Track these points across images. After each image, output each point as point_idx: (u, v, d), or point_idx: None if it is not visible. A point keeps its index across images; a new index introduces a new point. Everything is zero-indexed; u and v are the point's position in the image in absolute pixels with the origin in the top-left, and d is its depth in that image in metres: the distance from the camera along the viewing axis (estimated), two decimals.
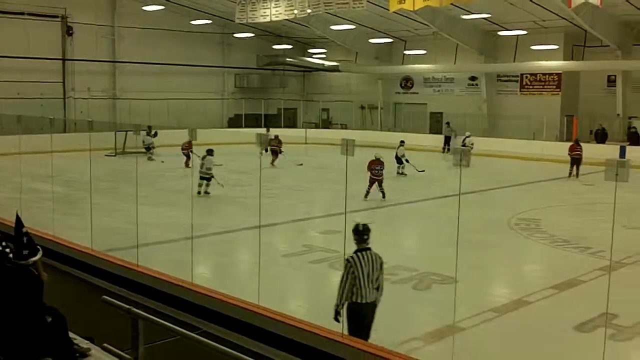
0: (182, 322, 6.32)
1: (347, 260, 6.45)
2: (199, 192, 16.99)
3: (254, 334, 6.27)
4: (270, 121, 36.30)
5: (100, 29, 32.64)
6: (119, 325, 5.21)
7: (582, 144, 22.78)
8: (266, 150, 23.70)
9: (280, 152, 24.73)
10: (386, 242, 13.41)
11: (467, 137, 27.21)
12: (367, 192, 16.74)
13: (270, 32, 37.38)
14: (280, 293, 9.05)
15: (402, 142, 22.80)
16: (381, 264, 6.59)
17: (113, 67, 33.71)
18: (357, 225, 6.67)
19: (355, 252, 6.52)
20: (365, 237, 6.58)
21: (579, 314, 8.10)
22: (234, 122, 37.35)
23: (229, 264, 11.32)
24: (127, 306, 5.14)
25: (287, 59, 38.75)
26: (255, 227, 11.75)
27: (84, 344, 5.00)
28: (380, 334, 6.98)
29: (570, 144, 23.42)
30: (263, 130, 29.09)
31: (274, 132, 27.31)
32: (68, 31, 31.63)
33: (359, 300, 6.35)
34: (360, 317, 6.39)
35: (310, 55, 39.69)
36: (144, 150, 25.55)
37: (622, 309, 8.13)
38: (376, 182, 16.85)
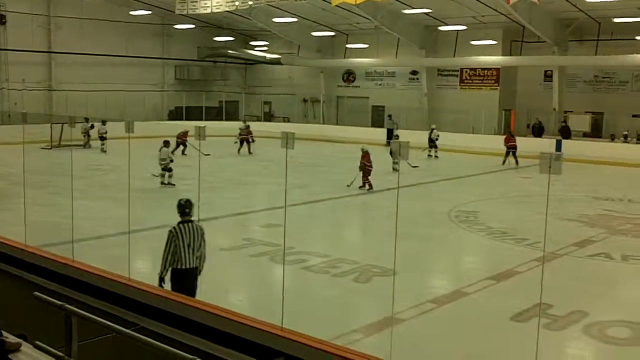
0: (119, 318, 6.18)
1: (170, 231, 7.19)
2: (162, 183, 17.41)
3: (193, 329, 6.19)
4: (211, 114, 35.99)
5: (35, 18, 31.71)
6: (52, 322, 5.06)
7: (519, 137, 23.46)
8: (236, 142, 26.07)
9: (253, 140, 26.54)
10: (328, 234, 13.52)
11: (433, 129, 27.47)
12: (365, 184, 17.62)
13: (211, 24, 37.01)
14: (221, 287, 8.96)
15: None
16: (202, 234, 7.37)
17: (49, 57, 32.82)
18: (179, 201, 7.44)
19: (178, 223, 7.23)
20: (187, 210, 7.37)
21: (515, 304, 8.27)
22: (175, 114, 36.82)
23: None
24: (60, 302, 4.99)
25: (229, 51, 38.45)
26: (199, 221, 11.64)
27: (14, 340, 4.84)
28: (320, 327, 6.99)
29: (505, 135, 24.69)
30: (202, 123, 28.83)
31: (210, 124, 27.21)
32: (1, 20, 30.60)
33: (180, 267, 7.16)
34: (181, 281, 7.15)
35: (252, 47, 39.45)
36: (82, 142, 25.12)
37: (557, 299, 8.35)
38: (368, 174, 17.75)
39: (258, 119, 38.25)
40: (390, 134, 31.69)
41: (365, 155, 17.88)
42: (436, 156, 26.27)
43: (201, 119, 33.71)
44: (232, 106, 39.28)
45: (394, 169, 20.52)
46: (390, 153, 21.60)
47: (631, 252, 11.46)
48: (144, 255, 10.93)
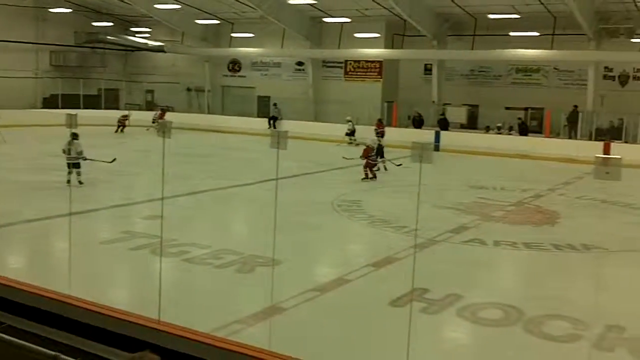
0: None
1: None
2: (68, 181, 15.30)
3: (67, 326, 5.94)
4: (91, 102, 34.66)
5: None
6: None
7: (401, 129, 24.23)
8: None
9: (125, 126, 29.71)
10: (212, 226, 13.39)
11: (349, 120, 28.19)
12: (367, 175, 18.52)
13: (89, 8, 35.58)
14: (97, 282, 8.66)
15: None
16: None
17: None
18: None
19: None
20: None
21: (393, 289, 8.50)
22: (50, 102, 35.06)
23: (42, 253, 10.65)
24: None
25: (108, 37, 36.93)
26: (72, 214, 11.21)
27: None
28: (201, 319, 6.91)
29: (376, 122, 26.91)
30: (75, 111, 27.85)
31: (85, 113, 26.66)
32: None
33: None
34: None
35: (133, 34, 38.23)
36: None
37: (433, 284, 8.67)
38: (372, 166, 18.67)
39: (140, 108, 37.14)
40: (274, 120, 31.82)
41: (369, 149, 18.86)
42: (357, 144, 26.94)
43: (79, 107, 32.35)
44: (112, 94, 37.94)
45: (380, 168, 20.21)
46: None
47: (502, 237, 12.05)
48: (15, 250, 10.42)
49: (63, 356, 3.93)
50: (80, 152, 15.54)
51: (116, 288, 9.15)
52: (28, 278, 7.07)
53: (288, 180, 16.90)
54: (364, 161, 18.76)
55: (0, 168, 15.91)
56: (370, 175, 18.58)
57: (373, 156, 18.91)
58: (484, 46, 29.18)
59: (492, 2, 26.67)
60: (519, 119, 28.52)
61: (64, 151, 15.50)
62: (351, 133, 28.42)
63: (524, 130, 28.14)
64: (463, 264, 10.39)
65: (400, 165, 19.68)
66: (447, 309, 8.10)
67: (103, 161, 16.33)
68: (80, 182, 15.45)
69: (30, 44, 34.89)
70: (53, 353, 3.90)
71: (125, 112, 31.94)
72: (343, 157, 21.01)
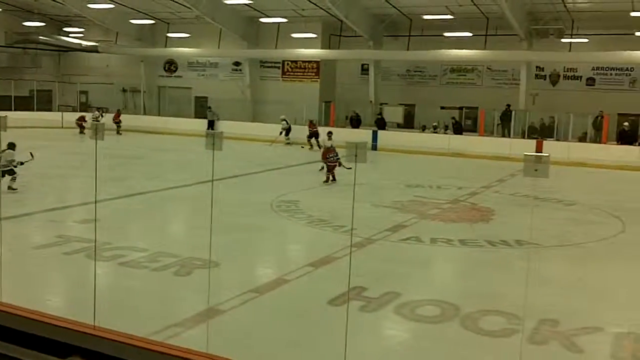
0: None
1: None
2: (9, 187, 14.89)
3: None
4: (23, 103, 33.71)
5: None
6: None
7: (339, 128, 24.56)
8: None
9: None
10: (148, 228, 13.18)
11: (283, 119, 28.47)
12: (328, 179, 18.18)
13: (20, 8, 34.59)
14: (29, 287, 8.43)
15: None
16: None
17: None
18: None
19: None
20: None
21: (332, 288, 8.54)
22: None
23: None
24: None
25: (40, 37, 36.03)
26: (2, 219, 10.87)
27: None
28: (139, 323, 6.80)
29: (308, 123, 27.78)
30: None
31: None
32: None
33: None
34: None
35: (67, 34, 37.39)
36: None
37: (371, 282, 8.75)
38: (332, 168, 18.08)
39: (74, 109, 36.32)
40: (211, 125, 31.58)
41: (330, 150, 18.43)
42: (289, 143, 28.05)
43: (10, 109, 31.41)
44: (45, 95, 37.00)
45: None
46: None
47: (439, 234, 12.25)
48: None
49: None
50: (12, 161, 15.00)
51: (49, 293, 8.91)
52: None
53: (225, 181, 16.79)
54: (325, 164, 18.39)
55: None
56: (331, 178, 18.19)
57: (332, 157, 18.41)
58: (419, 46, 29.67)
59: (426, 3, 27.14)
60: (453, 118, 29.12)
61: None
62: (287, 132, 28.60)
63: (458, 130, 28.76)
64: (401, 262, 10.52)
65: (350, 169, 18.11)
66: (385, 306, 8.17)
67: (24, 162, 15.62)
68: (11, 188, 14.96)
69: None
70: None
71: (83, 114, 31.71)
72: (301, 147, 20.85)
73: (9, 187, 14.95)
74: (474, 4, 26.82)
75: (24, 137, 19.38)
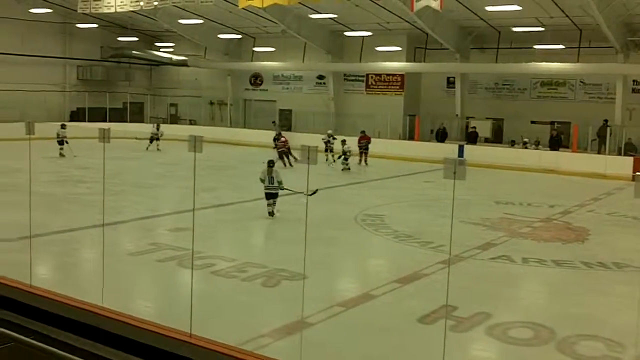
0: (20, 326, 5.86)
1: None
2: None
3: (97, 336, 5.93)
4: (116, 115, 35.01)
5: None
6: None
7: (424, 142, 24.01)
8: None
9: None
10: (236, 238, 13.35)
11: (330, 135, 26.87)
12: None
13: (115, 24, 35.97)
14: (126, 293, 8.66)
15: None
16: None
17: None
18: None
19: None
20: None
21: (421, 306, 8.39)
22: (77, 115, 35.57)
23: (72, 264, 10.69)
24: None
25: (133, 52, 37.44)
26: (99, 226, 11.23)
27: None
28: (230, 332, 6.86)
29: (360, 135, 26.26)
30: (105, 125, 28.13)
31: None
32: None
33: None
34: None
35: (158, 48, 38.65)
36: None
37: (461, 301, 8.54)
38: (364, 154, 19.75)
39: (164, 121, 37.45)
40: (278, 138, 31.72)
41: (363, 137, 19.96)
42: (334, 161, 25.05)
43: (105, 121, 32.69)
44: (137, 107, 38.32)
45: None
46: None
47: (530, 254, 11.87)
48: (45, 260, 10.45)
49: None
50: (280, 182, 14.38)
51: (145, 299, 9.13)
52: (59, 288, 7.07)
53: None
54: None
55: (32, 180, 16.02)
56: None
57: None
58: (507, 59, 29.01)
59: (516, 15, 26.49)
60: (554, 130, 27.96)
61: (262, 180, 14.61)
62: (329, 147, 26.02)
63: (556, 143, 27.51)
64: (491, 282, 10.24)
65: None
66: (476, 327, 7.96)
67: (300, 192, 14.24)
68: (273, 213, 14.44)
69: (58, 59, 35.40)
70: None
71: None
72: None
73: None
74: (566, 16, 26.02)
75: (122, 148, 20.04)
